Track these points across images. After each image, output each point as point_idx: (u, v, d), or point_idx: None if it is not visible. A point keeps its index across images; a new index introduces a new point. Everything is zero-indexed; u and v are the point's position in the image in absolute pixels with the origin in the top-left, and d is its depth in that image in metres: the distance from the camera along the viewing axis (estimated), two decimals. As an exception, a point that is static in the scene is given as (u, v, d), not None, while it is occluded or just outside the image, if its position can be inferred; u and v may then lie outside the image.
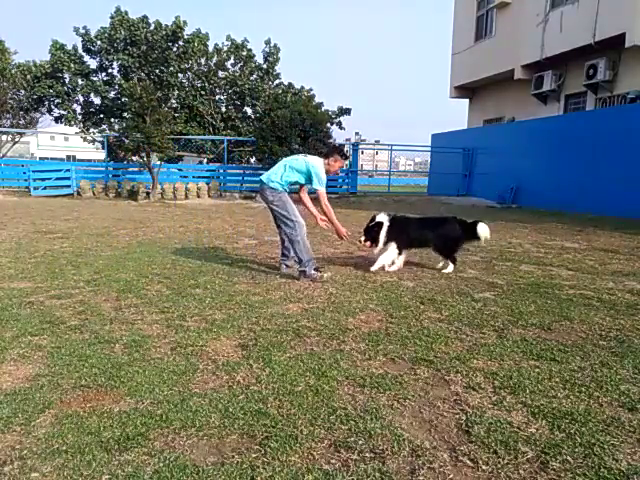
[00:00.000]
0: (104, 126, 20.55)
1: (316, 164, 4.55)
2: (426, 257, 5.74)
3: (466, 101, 19.78)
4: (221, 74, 20.22)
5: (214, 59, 20.25)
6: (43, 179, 14.85)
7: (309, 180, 4.57)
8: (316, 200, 4.63)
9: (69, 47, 19.40)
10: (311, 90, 20.52)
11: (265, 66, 20.51)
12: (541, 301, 3.83)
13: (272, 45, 20.35)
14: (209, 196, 15.13)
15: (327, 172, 4.64)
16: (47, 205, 11.70)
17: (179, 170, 18.03)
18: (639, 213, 10.08)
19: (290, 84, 20.79)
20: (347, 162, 4.91)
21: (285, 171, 4.57)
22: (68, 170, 14.93)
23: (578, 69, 13.61)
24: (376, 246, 4.80)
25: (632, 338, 3.00)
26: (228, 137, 18.59)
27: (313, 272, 4.46)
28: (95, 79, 20.15)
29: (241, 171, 18.06)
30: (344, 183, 17.74)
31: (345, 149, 4.88)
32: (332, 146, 4.80)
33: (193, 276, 4.48)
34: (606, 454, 1.77)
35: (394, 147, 19.86)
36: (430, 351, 2.74)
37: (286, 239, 4.64)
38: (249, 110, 20.97)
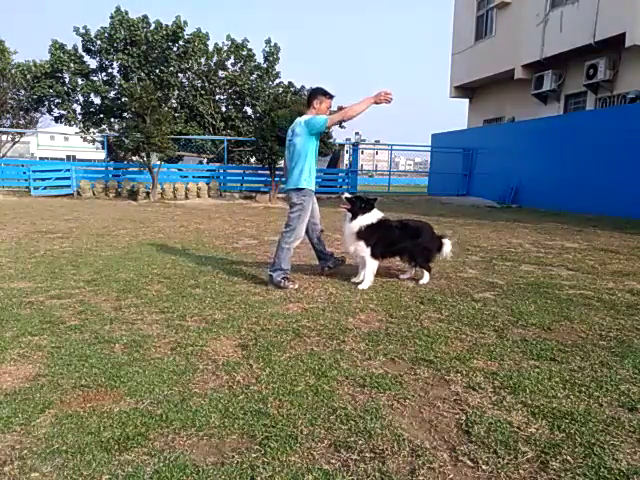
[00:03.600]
0: (104, 126, 20.54)
1: (305, 117, 4.21)
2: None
3: (466, 101, 19.78)
4: (221, 74, 20.21)
5: (214, 59, 20.24)
6: (43, 179, 14.86)
7: (315, 134, 4.17)
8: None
9: (69, 47, 19.40)
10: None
11: (265, 66, 20.50)
12: (541, 301, 3.83)
13: (272, 45, 20.35)
14: (209, 196, 15.13)
15: None
16: (47, 205, 11.70)
17: (179, 170, 18.03)
18: (639, 213, 10.08)
19: (290, 83, 20.79)
20: (332, 101, 4.26)
21: (307, 160, 4.17)
22: (68, 170, 14.93)
23: (578, 69, 13.61)
24: (352, 218, 4.26)
25: (632, 338, 3.01)
26: (228, 137, 18.59)
27: (280, 279, 4.15)
28: (95, 79, 20.14)
29: (241, 171, 18.06)
30: (344, 183, 17.74)
31: (325, 88, 4.27)
32: (310, 92, 4.36)
33: (193, 276, 4.48)
34: (606, 454, 1.77)
35: (394, 147, 19.86)
36: (430, 351, 2.74)
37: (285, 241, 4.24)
38: (249, 110, 20.96)
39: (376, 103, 4.04)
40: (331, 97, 4.30)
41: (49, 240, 6.35)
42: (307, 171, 4.20)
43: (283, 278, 4.17)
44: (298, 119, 4.32)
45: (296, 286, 4.19)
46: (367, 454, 1.77)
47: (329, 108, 4.36)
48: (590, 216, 10.51)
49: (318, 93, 4.29)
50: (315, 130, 4.16)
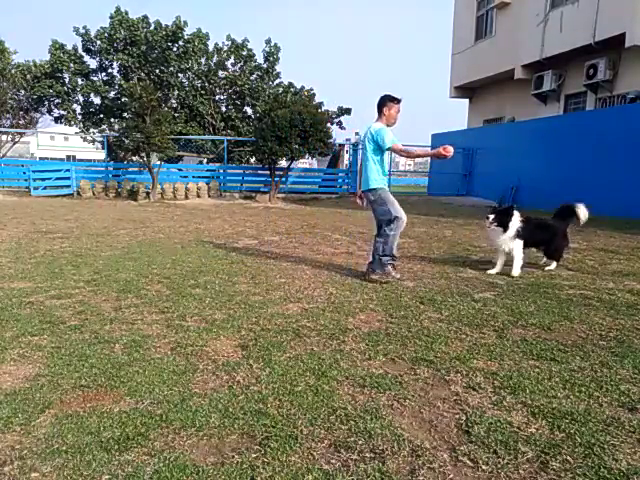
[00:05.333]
0: (104, 126, 20.53)
1: (376, 127, 4.49)
2: (426, 257, 5.74)
3: (466, 101, 19.78)
4: (221, 74, 20.20)
5: (214, 59, 20.24)
6: (43, 179, 14.85)
7: (379, 146, 4.48)
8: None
9: (69, 47, 19.39)
10: (311, 90, 20.50)
11: (265, 66, 20.49)
12: (541, 301, 3.83)
13: (272, 45, 20.35)
14: (209, 196, 15.13)
15: (390, 124, 4.55)
16: (47, 205, 11.70)
17: (179, 170, 18.03)
18: (639, 213, 10.08)
19: (290, 83, 20.79)
20: (400, 105, 4.58)
21: (376, 164, 4.51)
22: (68, 170, 14.93)
23: (578, 69, 13.60)
24: (503, 231, 4.76)
25: (632, 338, 3.01)
26: (228, 137, 18.59)
27: (389, 267, 4.47)
28: (95, 79, 20.13)
29: (241, 171, 18.06)
30: (344, 183, 17.73)
31: (391, 93, 4.59)
32: (379, 100, 4.57)
33: (193, 276, 4.48)
34: (606, 454, 1.77)
35: (394, 147, 19.83)
36: (430, 351, 2.74)
37: (381, 233, 4.53)
38: (249, 110, 20.96)
39: (436, 157, 4.31)
40: (398, 101, 4.55)
41: (49, 240, 6.35)
42: (375, 173, 4.51)
43: (391, 264, 4.50)
44: (371, 125, 4.55)
45: (398, 276, 4.52)
46: (367, 454, 1.77)
47: (398, 112, 4.58)
48: (590, 216, 10.49)
49: (386, 100, 4.51)
50: (379, 144, 4.44)
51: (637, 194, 10.49)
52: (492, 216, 4.80)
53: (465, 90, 19.13)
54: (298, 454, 1.75)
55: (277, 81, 21.01)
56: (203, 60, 20.08)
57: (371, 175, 4.52)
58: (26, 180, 14.99)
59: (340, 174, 18.37)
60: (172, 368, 2.45)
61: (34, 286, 3.99)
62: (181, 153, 20.52)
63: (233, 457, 1.73)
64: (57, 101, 19.84)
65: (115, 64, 19.87)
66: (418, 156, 4.54)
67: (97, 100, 20.18)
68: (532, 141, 14.02)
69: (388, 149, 4.44)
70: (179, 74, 19.86)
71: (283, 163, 15.73)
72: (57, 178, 14.87)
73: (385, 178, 4.62)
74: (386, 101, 4.52)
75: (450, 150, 4.10)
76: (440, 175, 18.73)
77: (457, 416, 2.05)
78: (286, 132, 13.20)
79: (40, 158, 32.19)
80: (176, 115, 19.17)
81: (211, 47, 20.25)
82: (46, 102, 19.90)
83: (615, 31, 11.79)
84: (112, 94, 20.04)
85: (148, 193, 14.21)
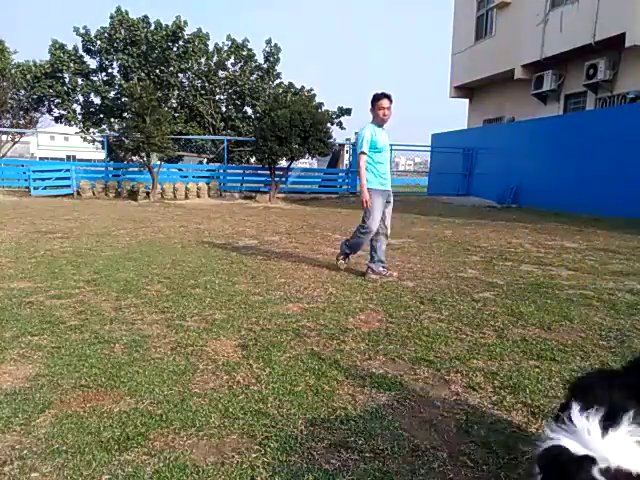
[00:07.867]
0: (104, 126, 20.52)
1: (362, 129, 4.64)
2: (426, 257, 5.74)
3: (466, 101, 19.78)
4: (221, 74, 20.20)
5: (214, 59, 20.24)
6: (43, 179, 14.85)
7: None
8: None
9: (69, 47, 19.40)
10: (311, 90, 20.50)
11: (266, 66, 20.49)
12: (541, 301, 3.83)
13: (273, 45, 20.34)
14: (209, 196, 15.13)
15: (383, 120, 4.63)
16: (47, 205, 11.69)
17: (179, 170, 18.03)
18: (639, 213, 10.08)
19: (290, 84, 20.78)
20: (385, 99, 4.58)
21: (370, 165, 4.62)
22: (68, 170, 14.93)
23: (578, 69, 13.60)
24: None
25: (632, 338, 3.01)
26: (228, 137, 18.58)
27: (342, 259, 4.85)
28: (95, 79, 20.14)
29: (241, 171, 18.05)
30: (344, 183, 17.72)
31: (379, 92, 4.63)
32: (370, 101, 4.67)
33: (193, 276, 4.48)
34: (606, 454, 1.77)
35: (394, 147, 19.82)
36: (430, 351, 2.74)
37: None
38: (249, 110, 20.96)
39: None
40: (381, 97, 4.57)
41: (49, 240, 6.34)
42: (369, 173, 4.64)
43: (383, 267, 4.68)
44: (363, 128, 4.69)
45: (383, 276, 4.61)
46: (367, 454, 1.77)
47: (385, 107, 4.61)
48: (590, 216, 10.51)
49: (372, 101, 4.63)
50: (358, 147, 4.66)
51: (637, 194, 10.49)
52: None
53: (465, 90, 19.12)
54: (298, 454, 1.75)
55: (277, 81, 21.00)
56: (203, 60, 20.07)
57: (368, 175, 4.62)
58: (26, 180, 14.98)
59: (340, 174, 18.37)
60: (172, 368, 2.45)
61: (34, 286, 3.99)
62: (181, 153, 20.52)
63: (233, 457, 1.73)
64: (57, 101, 19.83)
65: (115, 64, 19.87)
66: (360, 176, 4.61)
67: (97, 100, 20.18)
68: (532, 141, 14.02)
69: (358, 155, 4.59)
70: (179, 74, 19.86)
71: (283, 163, 15.73)
72: (57, 178, 14.87)
73: (379, 179, 4.65)
74: (372, 102, 4.63)
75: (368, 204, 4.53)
76: (440, 175, 18.73)
77: (457, 416, 2.05)
78: (286, 132, 13.20)
79: (40, 158, 32.14)
80: (176, 115, 19.17)
81: (211, 47, 20.25)
82: (46, 102, 19.89)
83: (615, 31, 11.79)
84: (112, 94, 20.03)
85: (148, 193, 14.21)
